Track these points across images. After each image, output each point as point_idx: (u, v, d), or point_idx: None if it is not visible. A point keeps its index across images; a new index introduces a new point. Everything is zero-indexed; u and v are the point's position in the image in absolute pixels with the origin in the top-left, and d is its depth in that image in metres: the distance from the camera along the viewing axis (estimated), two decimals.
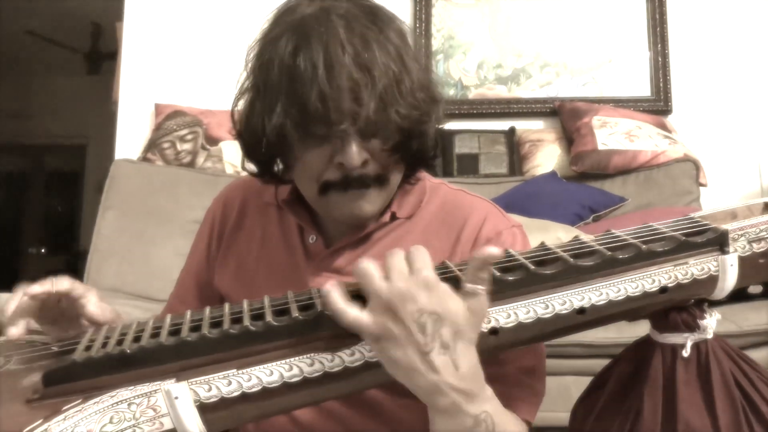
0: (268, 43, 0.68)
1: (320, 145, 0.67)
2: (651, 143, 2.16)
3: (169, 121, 2.23)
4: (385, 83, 0.64)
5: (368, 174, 0.69)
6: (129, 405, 0.48)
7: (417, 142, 0.70)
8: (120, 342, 0.50)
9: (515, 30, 2.51)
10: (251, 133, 0.70)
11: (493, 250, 0.50)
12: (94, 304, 0.63)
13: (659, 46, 2.47)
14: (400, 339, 0.49)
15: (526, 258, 0.56)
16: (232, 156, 2.20)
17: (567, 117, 2.32)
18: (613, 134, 2.18)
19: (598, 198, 1.91)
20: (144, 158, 2.18)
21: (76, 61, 4.80)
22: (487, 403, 0.54)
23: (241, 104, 0.74)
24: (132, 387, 0.49)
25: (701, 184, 2.12)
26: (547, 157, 2.26)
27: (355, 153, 0.66)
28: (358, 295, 0.52)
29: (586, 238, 0.61)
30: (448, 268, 0.55)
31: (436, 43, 2.52)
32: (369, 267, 0.51)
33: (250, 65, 0.71)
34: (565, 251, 0.57)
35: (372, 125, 0.64)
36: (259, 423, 0.75)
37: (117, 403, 0.48)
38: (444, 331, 0.49)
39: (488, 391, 0.55)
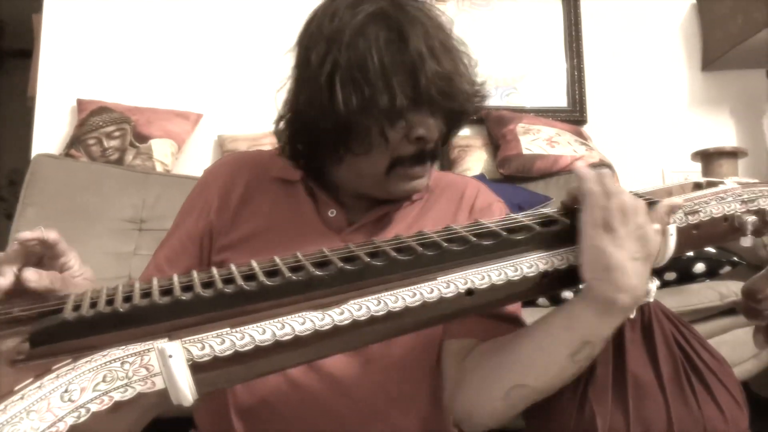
0: (356, 33, 0.72)
1: (406, 121, 0.73)
2: (570, 149, 2.31)
3: (94, 117, 2.14)
4: (468, 67, 0.77)
5: (435, 149, 0.78)
6: (122, 364, 0.48)
7: (463, 124, 0.81)
8: (110, 302, 0.50)
9: None
10: (353, 114, 0.72)
11: (677, 201, 0.63)
12: (78, 263, 0.62)
13: (575, 60, 2.65)
14: (621, 239, 0.57)
15: (497, 226, 0.61)
16: (161, 154, 2.14)
17: (493, 124, 2.44)
18: (536, 140, 2.31)
19: (525, 197, 2.02)
20: (67, 154, 2.08)
21: None
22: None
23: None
24: (124, 346, 0.48)
25: None
26: (475, 161, 2.36)
27: (432, 128, 0.75)
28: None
29: (547, 210, 0.66)
30: (454, 230, 0.60)
31: None
32: (609, 173, 0.60)
33: (332, 56, 0.72)
34: (530, 220, 0.62)
35: (465, 103, 0.76)
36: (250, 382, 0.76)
37: (110, 362, 0.47)
38: (649, 249, 0.58)
39: None
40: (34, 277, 0.58)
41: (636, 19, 2.71)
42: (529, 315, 1.46)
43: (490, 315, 0.75)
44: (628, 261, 0.57)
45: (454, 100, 0.74)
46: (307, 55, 0.75)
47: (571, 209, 0.63)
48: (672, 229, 0.65)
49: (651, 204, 0.63)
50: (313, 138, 0.78)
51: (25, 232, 0.60)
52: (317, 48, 0.74)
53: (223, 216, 0.84)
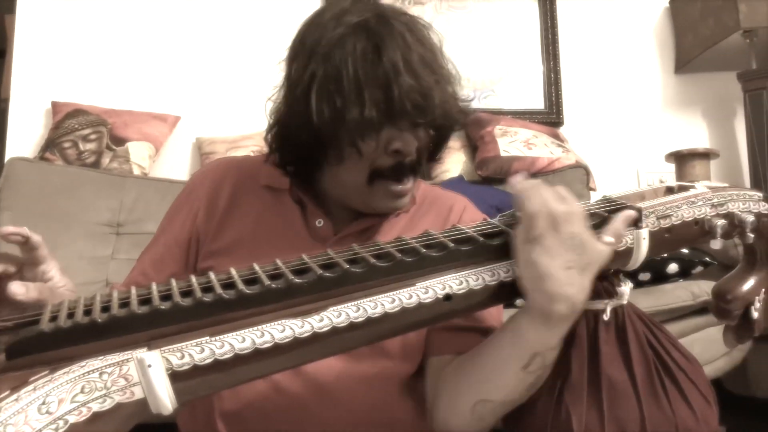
0: (335, 45, 0.72)
1: (378, 134, 0.73)
2: (547, 151, 2.33)
3: (69, 120, 2.11)
4: (447, 84, 0.76)
5: (416, 163, 0.78)
6: (100, 374, 0.47)
7: (447, 138, 0.82)
8: (87, 312, 0.50)
9: None
10: (327, 122, 0.72)
11: (632, 213, 0.61)
12: (59, 273, 0.61)
13: (551, 63, 2.68)
14: (551, 249, 0.55)
15: (475, 231, 0.62)
16: (139, 157, 2.12)
17: (471, 126, 2.45)
18: (513, 142, 2.33)
19: (503, 198, 2.04)
20: (41, 158, 2.05)
21: None
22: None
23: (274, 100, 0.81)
24: (102, 356, 0.48)
25: (591, 189, 2.32)
26: (453, 163, 2.37)
27: (412, 140, 0.74)
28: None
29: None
30: (432, 236, 0.60)
31: None
32: (536, 182, 0.59)
33: (311, 67, 0.73)
34: (507, 225, 0.63)
35: (441, 118, 0.74)
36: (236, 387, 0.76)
37: (88, 372, 0.47)
38: (585, 258, 0.56)
39: None
40: (21, 290, 0.57)
41: (611, 22, 2.75)
42: (506, 316, 1.49)
43: (469, 328, 0.76)
44: (559, 270, 0.55)
45: (428, 115, 0.73)
46: (291, 67, 0.77)
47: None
48: (645, 234, 0.66)
49: (612, 212, 0.64)
50: (296, 148, 0.79)
51: (9, 226, 0.59)
52: (299, 59, 0.75)
53: (210, 221, 0.84)
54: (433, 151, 0.83)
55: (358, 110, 0.70)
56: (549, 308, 0.57)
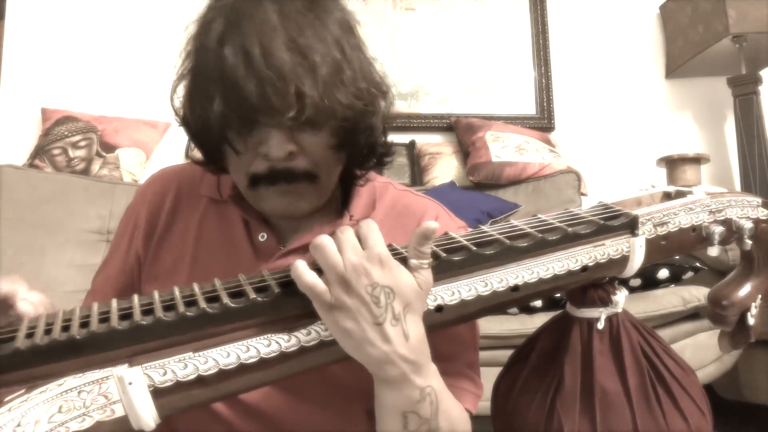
0: (202, 27, 0.65)
1: (249, 135, 0.64)
2: (538, 156, 2.33)
3: (59, 127, 2.09)
4: (324, 70, 0.61)
5: (295, 168, 0.65)
6: (79, 393, 0.46)
7: (364, 135, 0.68)
8: (65, 328, 0.48)
9: (414, 49, 2.62)
10: (196, 120, 0.66)
11: (431, 224, 0.52)
12: (25, 300, 0.56)
13: (543, 68, 2.68)
14: (353, 311, 0.51)
15: (468, 240, 0.60)
16: (129, 163, 2.10)
17: (462, 131, 2.45)
18: (505, 148, 2.33)
19: (494, 204, 2.04)
20: (30, 165, 2.03)
21: None
22: (433, 379, 0.56)
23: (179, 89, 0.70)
24: (80, 374, 0.46)
25: (582, 194, 2.31)
26: (445, 168, 2.36)
27: (276, 144, 0.63)
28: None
29: (517, 222, 0.65)
30: (396, 249, 0.57)
31: None
32: (325, 241, 0.52)
33: (186, 49, 0.67)
34: (501, 234, 0.62)
35: (317, 114, 0.61)
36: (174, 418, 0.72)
37: (66, 391, 0.46)
38: (395, 304, 0.51)
39: (434, 367, 0.56)
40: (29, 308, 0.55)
41: (601, 27, 2.75)
42: (497, 323, 1.48)
43: None
44: (370, 331, 0.51)
45: (289, 108, 0.60)
46: (183, 44, 0.69)
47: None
48: (641, 241, 0.65)
49: (608, 219, 0.62)
50: (200, 149, 0.72)
51: None
52: (182, 50, 0.68)
53: (149, 241, 0.77)
54: (362, 151, 0.70)
55: (212, 107, 0.61)
56: (380, 374, 0.53)
